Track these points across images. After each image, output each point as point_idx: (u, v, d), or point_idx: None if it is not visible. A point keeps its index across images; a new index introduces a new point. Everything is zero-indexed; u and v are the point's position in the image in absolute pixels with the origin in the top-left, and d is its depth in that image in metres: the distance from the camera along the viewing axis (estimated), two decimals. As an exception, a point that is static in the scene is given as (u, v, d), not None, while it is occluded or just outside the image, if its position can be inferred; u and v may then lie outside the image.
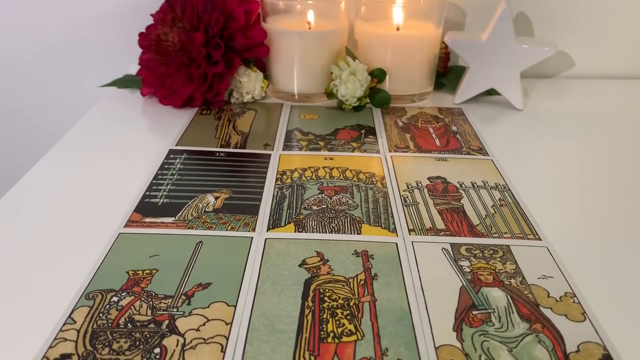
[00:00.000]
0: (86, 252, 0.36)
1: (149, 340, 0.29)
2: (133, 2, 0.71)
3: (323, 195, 0.44)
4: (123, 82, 0.66)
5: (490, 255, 0.37)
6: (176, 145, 0.52)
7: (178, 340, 0.29)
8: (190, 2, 0.57)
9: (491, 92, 0.63)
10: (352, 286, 0.34)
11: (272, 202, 0.43)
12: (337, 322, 0.31)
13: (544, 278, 0.35)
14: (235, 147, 0.52)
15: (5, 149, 0.82)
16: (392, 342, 0.30)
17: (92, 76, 0.74)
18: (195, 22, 0.57)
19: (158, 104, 0.61)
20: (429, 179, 0.47)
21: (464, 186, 0.46)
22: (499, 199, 0.44)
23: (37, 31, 0.74)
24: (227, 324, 0.31)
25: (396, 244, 0.38)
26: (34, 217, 0.41)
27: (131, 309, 0.32)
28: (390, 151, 0.52)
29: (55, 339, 0.29)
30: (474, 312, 0.32)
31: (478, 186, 0.46)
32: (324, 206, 0.42)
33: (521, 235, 0.39)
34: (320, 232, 0.39)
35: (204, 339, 0.30)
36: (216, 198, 0.43)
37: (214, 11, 0.57)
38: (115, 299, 0.32)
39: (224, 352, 0.29)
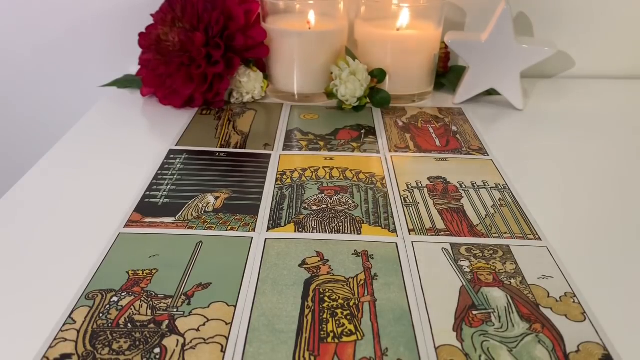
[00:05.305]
0: (86, 252, 0.36)
1: (149, 340, 0.29)
2: (133, 2, 0.71)
3: (323, 195, 0.44)
4: (123, 82, 0.66)
5: (490, 255, 0.37)
6: (176, 145, 0.52)
7: (178, 340, 0.29)
8: (190, 2, 0.57)
9: (491, 92, 0.63)
10: (352, 286, 0.34)
11: (272, 202, 0.43)
12: (337, 322, 0.31)
13: (544, 278, 0.35)
14: (235, 147, 0.52)
15: (5, 149, 0.82)
16: (392, 342, 0.30)
17: (92, 76, 0.74)
18: (195, 22, 0.57)
19: (158, 104, 0.61)
20: (429, 179, 0.47)
21: (464, 186, 0.46)
22: (499, 199, 0.44)
23: (37, 31, 0.74)
24: (227, 324, 0.31)
25: (396, 244, 0.38)
26: (34, 217, 0.41)
27: (131, 309, 0.32)
28: (390, 151, 0.52)
29: (55, 339, 0.29)
30: (474, 312, 0.32)
31: (478, 186, 0.46)
32: (324, 206, 0.42)
33: (521, 235, 0.39)
34: (320, 232, 0.39)
35: (204, 339, 0.30)
36: (216, 198, 0.43)
37: (214, 11, 0.57)
38: (115, 299, 0.32)
39: (224, 352, 0.29)
